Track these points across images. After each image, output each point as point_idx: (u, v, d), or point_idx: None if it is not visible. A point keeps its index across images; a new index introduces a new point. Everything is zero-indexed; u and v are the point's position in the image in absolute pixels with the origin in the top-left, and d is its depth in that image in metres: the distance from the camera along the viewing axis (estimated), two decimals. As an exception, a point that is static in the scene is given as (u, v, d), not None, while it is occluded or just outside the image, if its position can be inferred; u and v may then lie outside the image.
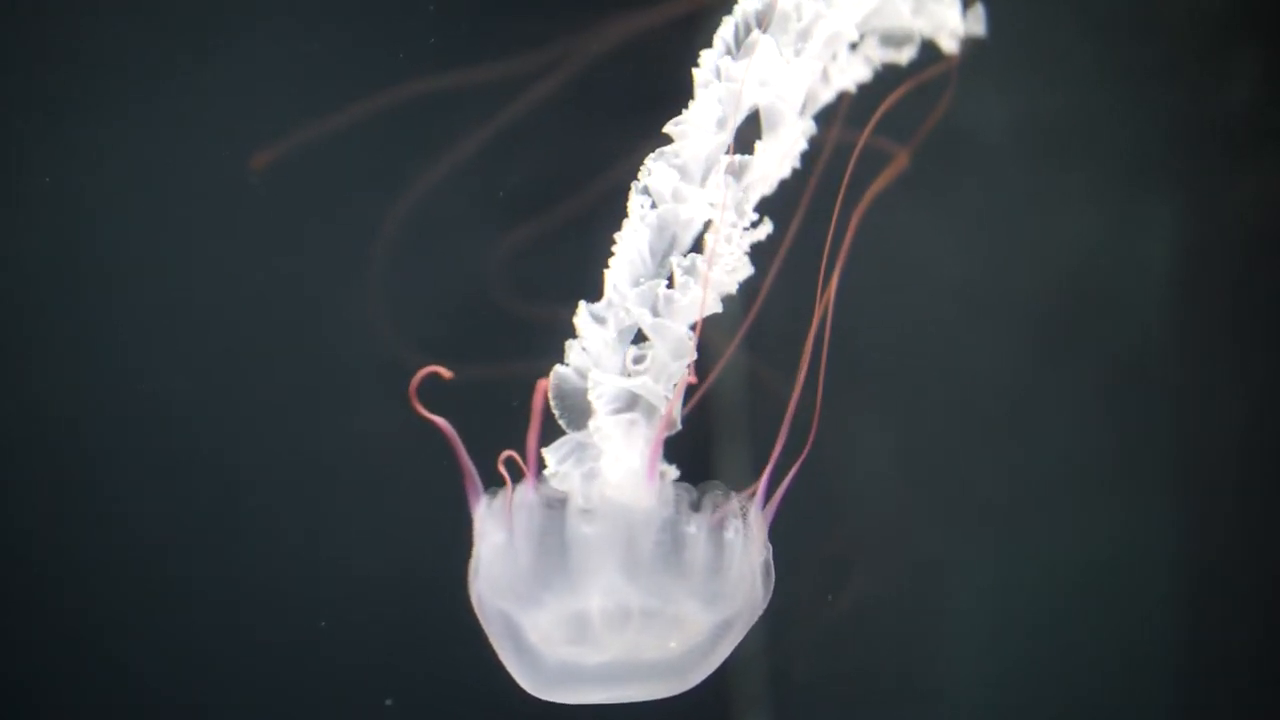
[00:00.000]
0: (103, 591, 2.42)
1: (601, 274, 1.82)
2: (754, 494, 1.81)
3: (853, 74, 2.10)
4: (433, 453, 2.37)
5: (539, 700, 1.83)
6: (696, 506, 1.78)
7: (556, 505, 1.76)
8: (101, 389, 2.39)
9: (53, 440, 2.39)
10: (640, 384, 1.80)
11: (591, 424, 1.80)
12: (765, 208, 1.91)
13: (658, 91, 1.91)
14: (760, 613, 1.83)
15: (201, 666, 2.46)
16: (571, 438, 1.81)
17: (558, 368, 1.80)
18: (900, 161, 2.26)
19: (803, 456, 1.84)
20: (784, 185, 1.94)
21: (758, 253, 1.92)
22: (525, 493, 1.76)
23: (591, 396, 1.79)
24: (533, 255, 2.39)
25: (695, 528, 1.75)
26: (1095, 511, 2.64)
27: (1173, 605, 2.63)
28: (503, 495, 1.77)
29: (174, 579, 2.43)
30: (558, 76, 2.36)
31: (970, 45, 2.19)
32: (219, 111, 2.35)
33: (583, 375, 1.81)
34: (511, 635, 1.80)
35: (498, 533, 1.77)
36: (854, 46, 2.04)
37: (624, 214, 1.83)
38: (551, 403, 1.81)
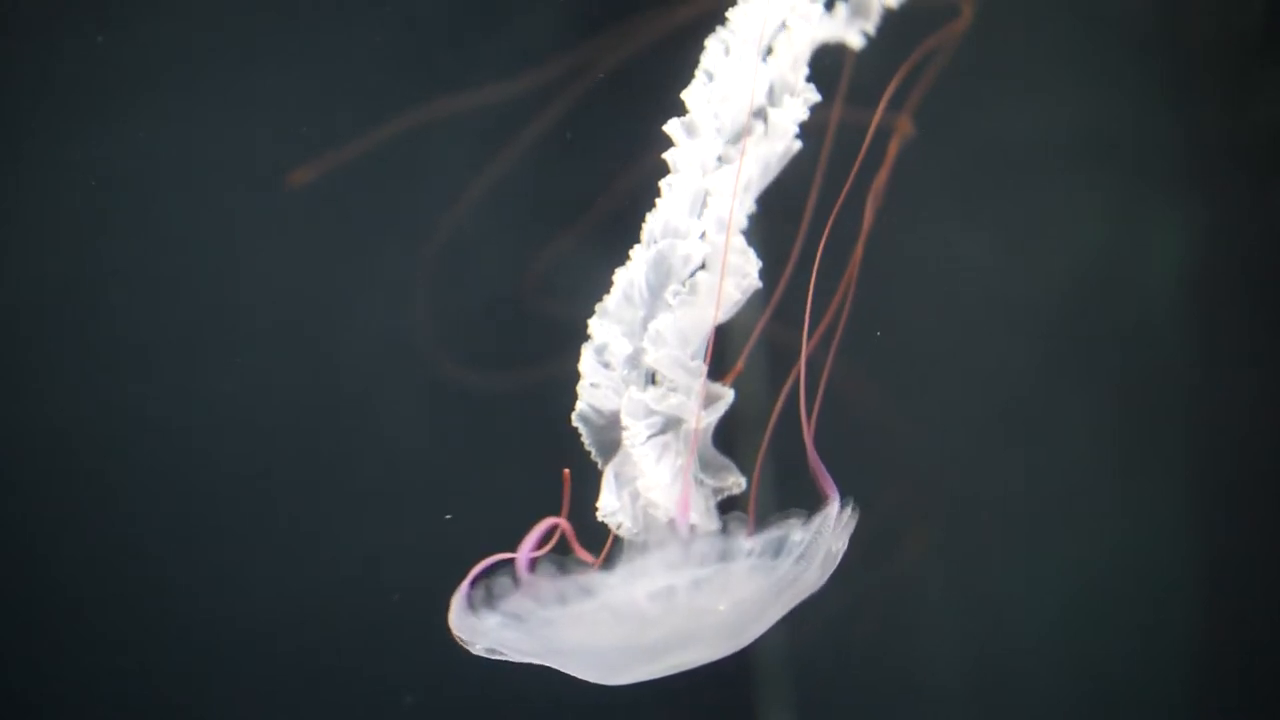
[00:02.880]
0: (127, 599, 2.45)
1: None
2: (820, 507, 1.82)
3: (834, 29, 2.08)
4: (467, 462, 2.41)
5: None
6: (750, 530, 1.80)
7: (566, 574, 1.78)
8: (141, 398, 2.43)
9: (80, 448, 2.43)
10: (660, 406, 1.82)
11: (625, 454, 1.83)
12: (783, 207, 1.94)
13: (680, 88, 1.93)
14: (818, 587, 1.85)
15: (226, 681, 2.51)
16: (611, 472, 1.83)
17: (577, 408, 1.83)
18: (904, 128, 2.24)
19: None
20: (799, 185, 1.98)
21: (775, 253, 1.94)
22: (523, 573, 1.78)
23: (623, 427, 1.82)
24: (566, 262, 2.41)
25: (748, 551, 1.76)
26: (1110, 510, 2.67)
27: (1187, 601, 2.66)
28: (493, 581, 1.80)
29: (203, 587, 2.47)
30: (581, 82, 2.40)
31: (999, 56, 2.22)
32: (258, 125, 2.40)
33: (600, 411, 1.84)
34: (560, 654, 1.81)
35: (492, 616, 1.78)
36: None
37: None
38: (584, 441, 1.85)
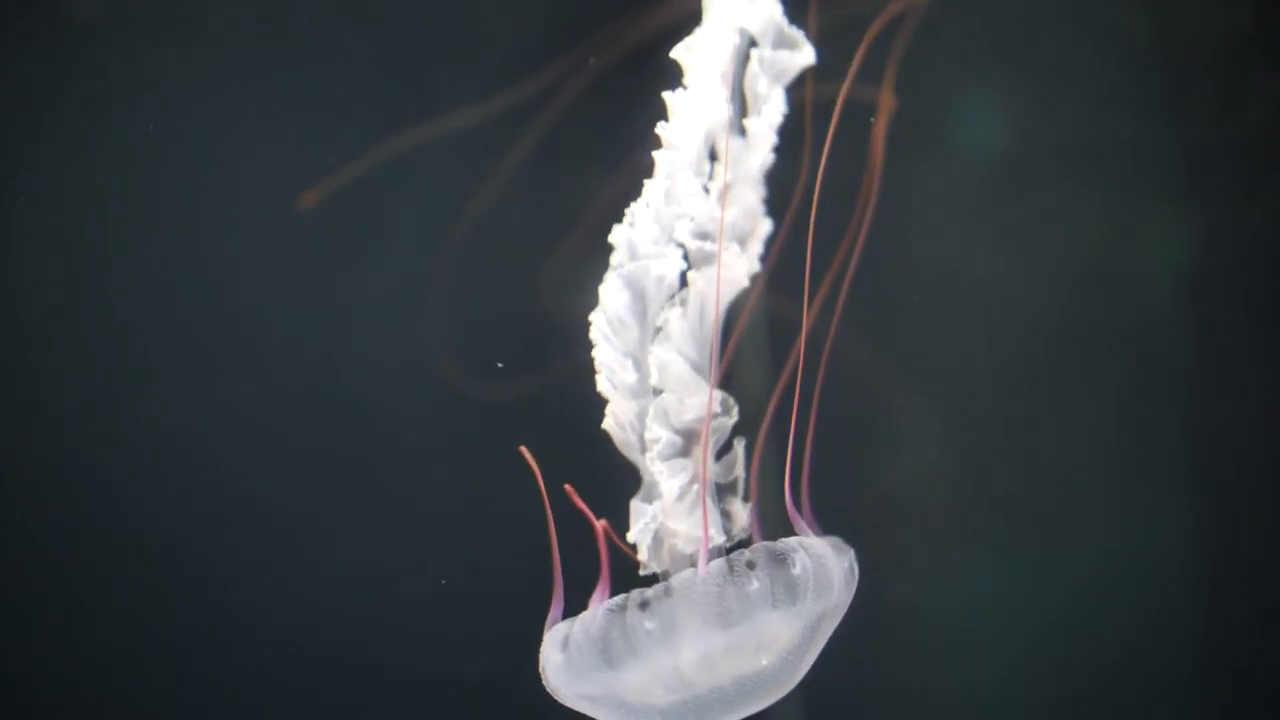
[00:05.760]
0: (134, 602, 2.48)
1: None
2: (805, 519, 1.87)
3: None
4: (482, 468, 2.42)
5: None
6: (753, 563, 1.80)
7: (617, 610, 1.80)
8: (157, 409, 2.45)
9: (91, 455, 2.45)
10: (675, 423, 1.86)
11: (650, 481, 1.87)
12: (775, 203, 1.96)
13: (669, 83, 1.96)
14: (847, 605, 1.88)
15: (232, 684, 2.52)
16: (638, 500, 1.88)
17: (606, 425, 1.89)
18: (888, 103, 2.25)
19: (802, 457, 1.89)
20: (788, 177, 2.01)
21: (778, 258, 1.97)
22: (591, 608, 1.82)
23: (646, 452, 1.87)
24: (572, 265, 2.40)
25: (758, 583, 1.78)
26: (1113, 512, 2.66)
27: (1188, 601, 2.66)
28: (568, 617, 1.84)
29: (217, 595, 2.49)
30: (575, 85, 2.41)
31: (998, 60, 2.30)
32: (268, 142, 2.42)
33: (624, 426, 1.89)
34: (614, 707, 1.84)
35: (558, 652, 1.82)
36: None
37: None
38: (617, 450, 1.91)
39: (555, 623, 1.84)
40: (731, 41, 1.87)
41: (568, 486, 1.78)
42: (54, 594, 2.46)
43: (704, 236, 1.87)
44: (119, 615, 2.47)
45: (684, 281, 1.93)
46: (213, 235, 2.42)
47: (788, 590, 1.78)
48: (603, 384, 1.88)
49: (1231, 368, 2.62)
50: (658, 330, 1.86)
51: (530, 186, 2.44)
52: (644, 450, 1.86)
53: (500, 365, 2.43)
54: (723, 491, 1.90)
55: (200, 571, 2.47)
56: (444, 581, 2.49)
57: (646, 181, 1.91)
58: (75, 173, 2.38)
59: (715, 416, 1.88)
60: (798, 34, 1.93)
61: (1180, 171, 2.59)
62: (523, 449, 1.82)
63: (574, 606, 1.86)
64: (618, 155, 2.29)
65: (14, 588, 2.44)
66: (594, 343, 1.88)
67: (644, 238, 1.86)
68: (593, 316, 1.88)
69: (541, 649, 1.84)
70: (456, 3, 2.45)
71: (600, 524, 1.80)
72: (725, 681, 1.80)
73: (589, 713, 1.87)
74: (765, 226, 1.98)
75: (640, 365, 1.87)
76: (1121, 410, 2.64)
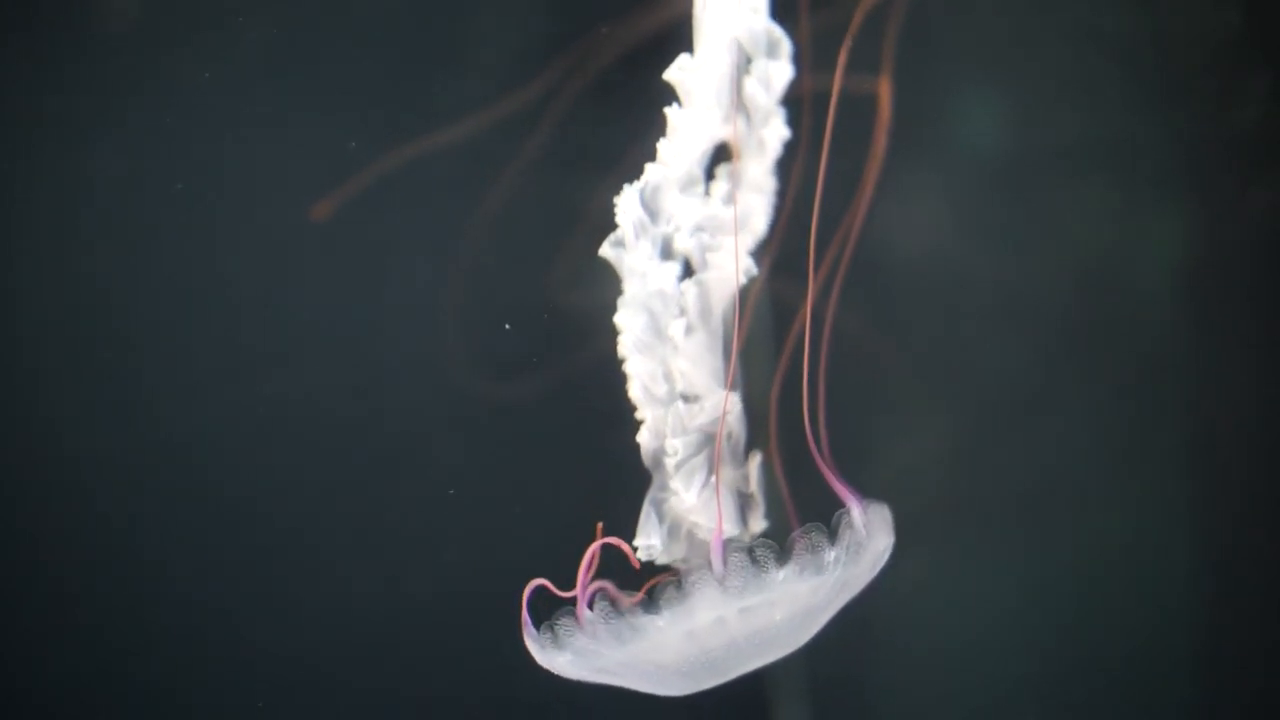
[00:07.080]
0: (134, 605, 2.50)
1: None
2: (850, 507, 1.86)
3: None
4: (500, 470, 2.44)
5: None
6: (784, 554, 1.82)
7: (625, 613, 1.82)
8: (163, 419, 2.47)
9: (104, 464, 2.47)
10: (694, 424, 1.88)
11: (661, 482, 1.91)
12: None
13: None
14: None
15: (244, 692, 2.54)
16: (649, 502, 1.90)
17: (639, 436, 1.91)
18: (885, 96, 2.26)
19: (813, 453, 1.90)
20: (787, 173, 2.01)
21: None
22: (596, 611, 1.82)
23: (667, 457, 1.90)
24: (581, 264, 2.40)
25: (783, 575, 1.79)
26: (1111, 508, 2.68)
27: (1190, 600, 2.67)
28: (561, 619, 1.85)
29: (234, 602, 2.51)
30: (576, 83, 2.42)
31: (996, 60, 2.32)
32: (273, 152, 2.43)
33: (657, 436, 1.91)
34: (627, 674, 1.86)
35: (562, 654, 1.84)
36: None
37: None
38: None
39: (548, 625, 1.86)
40: (726, 57, 1.87)
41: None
42: (66, 596, 2.47)
43: (702, 244, 1.89)
44: (128, 618, 2.49)
45: (684, 284, 1.95)
46: (225, 242, 2.44)
47: (815, 570, 1.80)
48: (635, 392, 1.91)
49: (1230, 363, 2.64)
50: (670, 340, 1.89)
51: (537, 187, 2.45)
52: (665, 457, 1.88)
53: (508, 327, 2.45)
54: (743, 495, 1.91)
55: (206, 574, 2.49)
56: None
57: (627, 193, 1.94)
58: (77, 177, 2.39)
59: (728, 415, 1.90)
60: (785, 40, 1.94)
61: (1178, 168, 2.61)
62: (599, 525, 1.84)
63: (573, 608, 1.88)
64: (620, 152, 2.30)
65: (19, 588, 2.46)
66: (624, 356, 1.91)
67: (640, 255, 1.88)
68: (620, 340, 1.91)
69: (539, 653, 1.86)
70: (457, 10, 2.46)
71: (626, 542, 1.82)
72: (739, 637, 1.82)
73: (601, 681, 1.89)
74: (762, 229, 1.99)
75: (668, 377, 1.89)
76: (1120, 406, 2.65)
